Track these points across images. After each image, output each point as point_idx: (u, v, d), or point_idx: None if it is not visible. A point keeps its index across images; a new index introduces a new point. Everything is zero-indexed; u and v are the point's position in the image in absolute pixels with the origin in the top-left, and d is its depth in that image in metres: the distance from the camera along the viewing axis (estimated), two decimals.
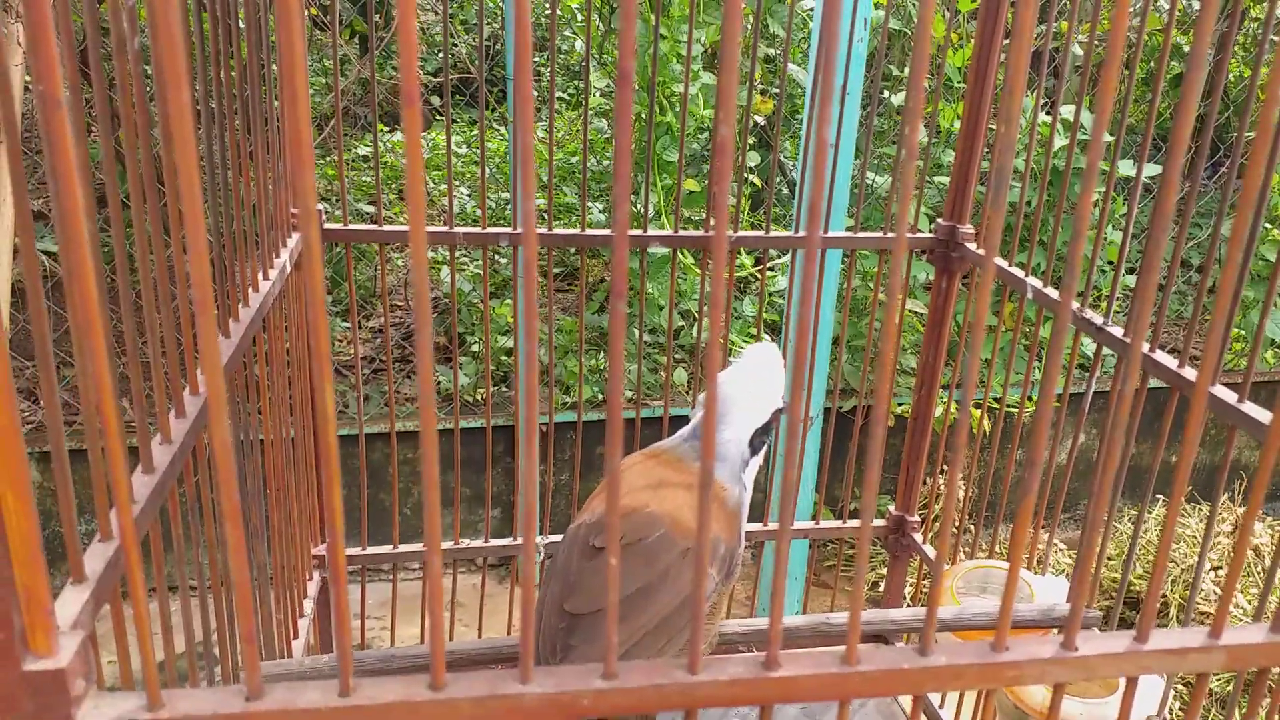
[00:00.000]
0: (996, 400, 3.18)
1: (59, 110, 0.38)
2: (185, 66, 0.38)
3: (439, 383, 3.53)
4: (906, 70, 3.47)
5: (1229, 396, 0.91)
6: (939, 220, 1.44)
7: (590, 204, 3.50)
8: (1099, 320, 1.10)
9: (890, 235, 1.44)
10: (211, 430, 0.40)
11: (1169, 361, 1.00)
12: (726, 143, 0.42)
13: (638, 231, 1.34)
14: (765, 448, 1.10)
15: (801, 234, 1.47)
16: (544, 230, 1.34)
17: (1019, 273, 1.28)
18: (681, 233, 1.34)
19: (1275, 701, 0.87)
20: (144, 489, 0.64)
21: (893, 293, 0.46)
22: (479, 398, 3.50)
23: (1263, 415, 0.86)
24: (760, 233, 1.40)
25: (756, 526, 1.61)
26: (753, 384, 1.07)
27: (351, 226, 1.30)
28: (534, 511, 0.44)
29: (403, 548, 1.51)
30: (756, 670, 0.51)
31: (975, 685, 0.54)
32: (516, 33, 0.39)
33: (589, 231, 1.35)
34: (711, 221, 1.34)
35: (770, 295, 3.51)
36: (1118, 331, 1.08)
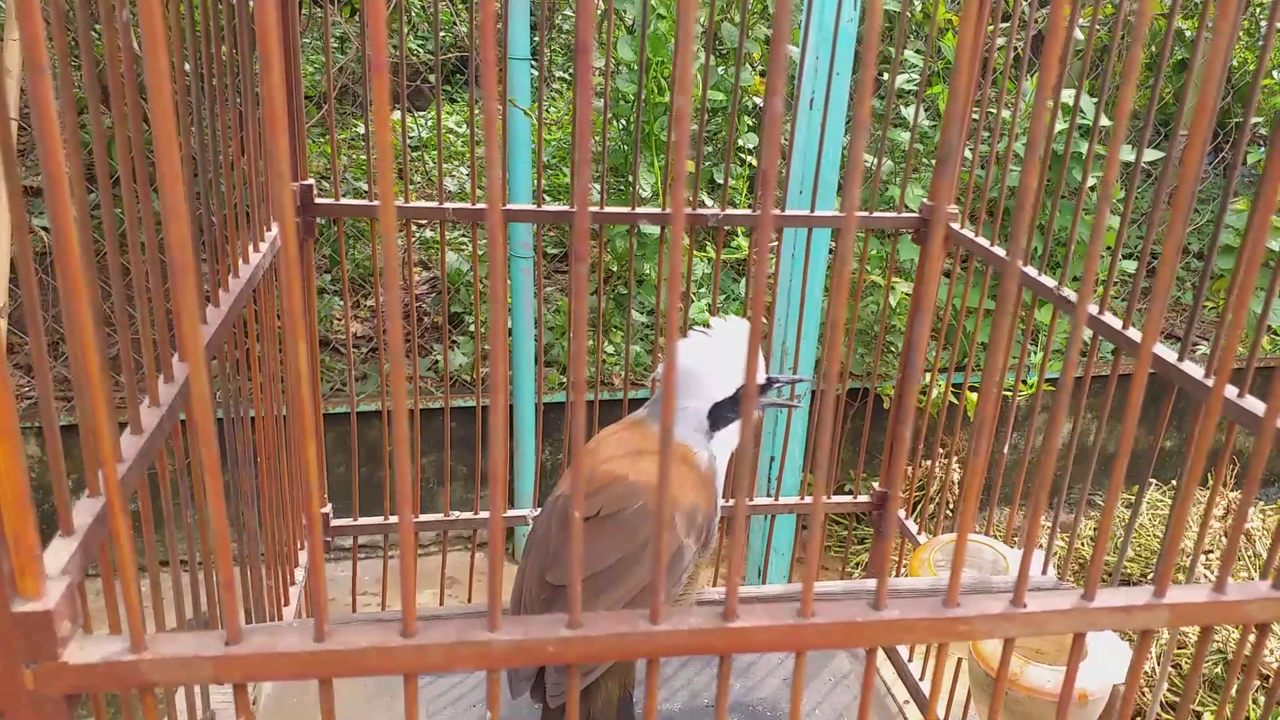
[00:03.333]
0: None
1: (42, 75, 0.40)
2: (163, 29, 0.39)
3: (436, 362, 3.55)
4: (906, 52, 3.47)
5: (1195, 372, 0.93)
6: (925, 200, 1.46)
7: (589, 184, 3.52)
8: (1075, 297, 1.12)
9: (878, 214, 1.46)
10: (191, 380, 0.42)
11: (1137, 336, 1.02)
12: (683, 112, 0.44)
13: (627, 209, 1.35)
14: (738, 425, 1.10)
15: (792, 212, 1.49)
16: (534, 207, 1.35)
17: (1001, 252, 1.30)
18: (668, 210, 1.36)
19: (1248, 678, 0.90)
20: (132, 449, 0.66)
21: (844, 258, 0.48)
22: (474, 377, 3.52)
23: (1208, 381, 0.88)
24: (748, 210, 1.42)
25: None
26: (715, 357, 1.08)
27: (343, 201, 1.32)
28: (501, 459, 0.46)
29: (394, 518, 1.54)
30: (715, 621, 0.53)
31: (926, 639, 0.56)
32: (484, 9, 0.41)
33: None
34: (705, 199, 1.36)
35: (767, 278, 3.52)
36: (1113, 321, 1.08)
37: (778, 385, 1.15)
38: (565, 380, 3.46)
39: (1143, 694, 2.45)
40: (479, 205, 1.33)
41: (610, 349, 3.54)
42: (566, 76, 5.01)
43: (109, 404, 0.48)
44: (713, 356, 1.08)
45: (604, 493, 1.00)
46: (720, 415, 1.10)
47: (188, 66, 0.88)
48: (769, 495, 1.64)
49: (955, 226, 1.41)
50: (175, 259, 0.41)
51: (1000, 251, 1.31)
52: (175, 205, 0.41)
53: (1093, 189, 3.19)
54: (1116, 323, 1.07)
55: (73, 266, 0.42)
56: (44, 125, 0.40)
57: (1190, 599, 0.57)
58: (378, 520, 1.55)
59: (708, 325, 1.11)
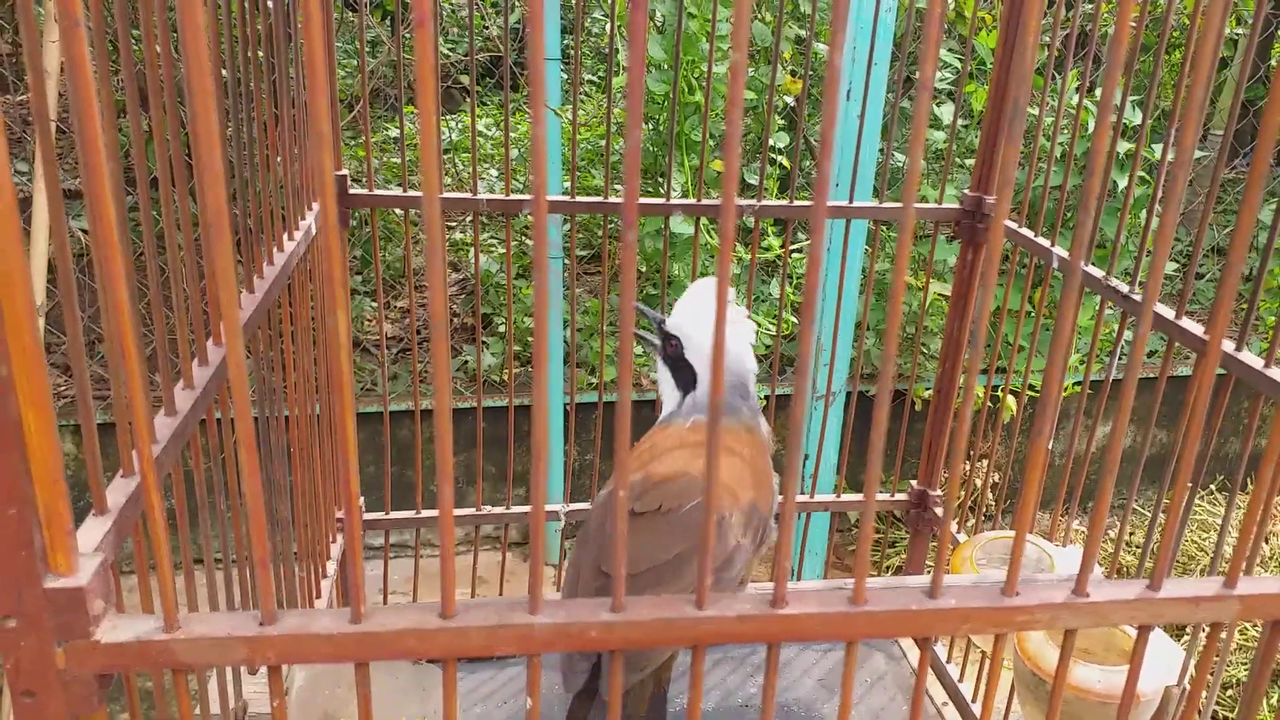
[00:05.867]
0: (1031, 388, 3.14)
1: (77, 29, 0.39)
2: None
3: (465, 362, 3.55)
4: (940, 50, 3.43)
5: (1254, 362, 0.89)
6: (965, 191, 1.43)
7: (618, 185, 3.51)
8: (1124, 288, 1.09)
9: (916, 206, 1.43)
10: (228, 347, 0.40)
11: (1195, 329, 0.99)
12: (739, 69, 0.42)
13: (660, 200, 1.34)
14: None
15: (830, 203, 1.46)
16: (566, 198, 1.34)
17: (1045, 243, 1.27)
18: (705, 201, 1.34)
19: None
20: (166, 429, 0.65)
21: (905, 226, 0.46)
22: (505, 378, 3.52)
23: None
24: (783, 201, 1.40)
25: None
26: (741, 337, 1.08)
27: (376, 192, 1.31)
28: (543, 438, 0.44)
29: (425, 513, 1.53)
30: (764, 607, 0.51)
31: (984, 630, 0.54)
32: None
33: (613, 200, 1.35)
34: (736, 200, 1.33)
35: (798, 278, 3.50)
36: (1164, 311, 1.05)
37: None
38: (594, 381, 3.44)
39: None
40: (513, 196, 1.31)
41: (639, 349, 3.52)
42: (596, 80, 5.00)
43: (143, 378, 0.47)
44: (743, 344, 1.08)
45: (663, 488, 0.97)
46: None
47: (224, 72, 0.88)
48: (805, 493, 1.62)
49: None
50: (210, 221, 0.39)
51: (1044, 242, 1.28)
52: (212, 165, 0.39)
53: (1140, 185, 3.12)
54: (1168, 313, 1.04)
55: (107, 229, 0.41)
56: (79, 82, 0.39)
57: (1263, 590, 0.55)
58: (410, 514, 1.54)
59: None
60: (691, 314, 1.09)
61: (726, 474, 0.98)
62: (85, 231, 3.14)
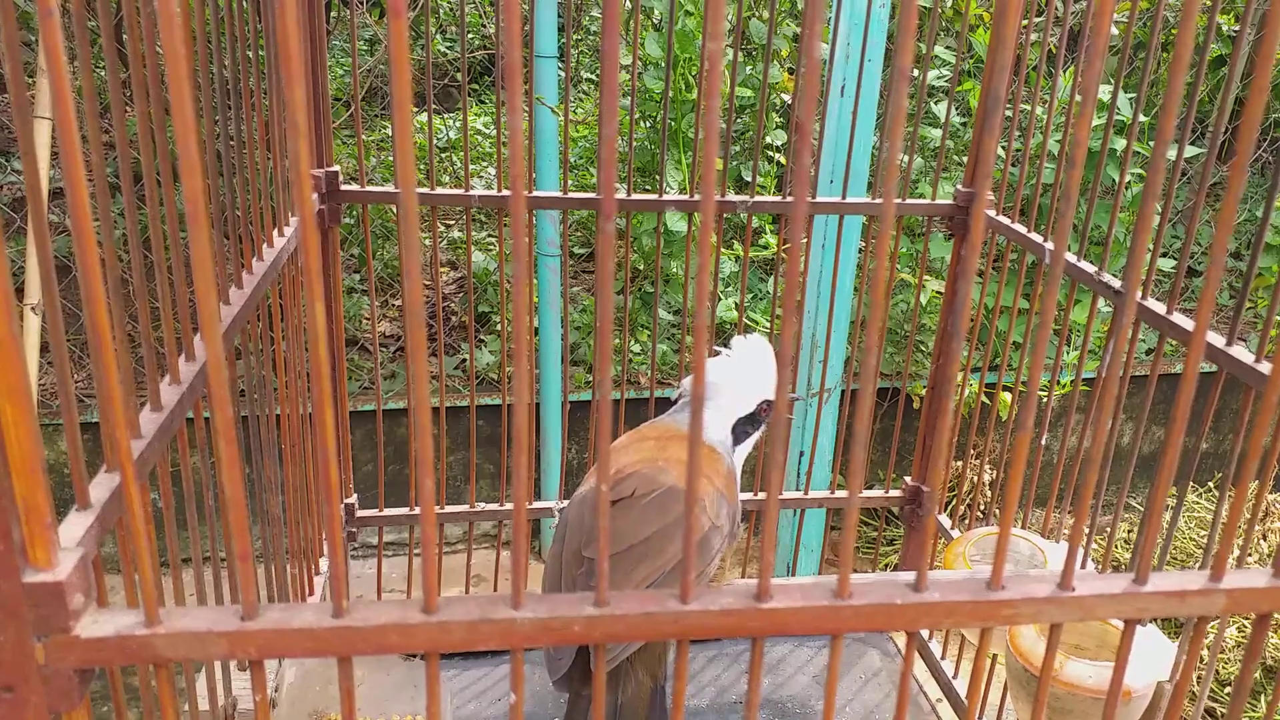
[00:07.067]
0: (1024, 384, 3.14)
1: (51, 18, 0.38)
2: None
3: (463, 360, 3.54)
4: (937, 48, 3.43)
5: (1245, 357, 0.89)
6: (959, 187, 1.42)
7: (616, 185, 3.50)
8: (1117, 284, 1.09)
9: (911, 202, 1.43)
10: (205, 335, 0.40)
11: (1187, 324, 0.99)
12: (715, 57, 0.42)
13: (654, 196, 1.34)
14: (755, 437, 1.17)
15: (822, 200, 1.46)
16: (558, 194, 1.34)
17: (1039, 239, 1.27)
18: (699, 197, 1.34)
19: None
20: (151, 425, 0.65)
21: (884, 230, 0.46)
22: (501, 376, 3.51)
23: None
24: (777, 197, 1.40)
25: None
26: (739, 374, 1.13)
27: (369, 189, 1.31)
28: (524, 430, 0.44)
29: (420, 509, 1.52)
30: (747, 601, 0.51)
31: (970, 623, 0.53)
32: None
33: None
34: (730, 193, 1.33)
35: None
36: (1156, 306, 1.06)
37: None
38: (591, 379, 3.44)
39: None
40: (505, 192, 1.31)
41: (636, 347, 3.52)
42: (594, 78, 5.00)
43: (126, 370, 0.47)
44: (734, 375, 1.14)
45: (635, 476, 1.03)
46: (740, 430, 1.16)
47: (213, 68, 0.87)
48: (798, 490, 1.62)
49: (991, 214, 1.37)
50: (188, 210, 0.39)
51: (1037, 238, 1.28)
52: (190, 157, 0.39)
53: (1130, 186, 3.13)
54: (1160, 308, 1.04)
55: (83, 217, 0.41)
56: (54, 70, 0.39)
57: (1249, 584, 0.54)
58: (403, 511, 1.54)
59: (728, 346, 1.18)
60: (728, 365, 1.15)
61: (679, 471, 1.04)
62: None
